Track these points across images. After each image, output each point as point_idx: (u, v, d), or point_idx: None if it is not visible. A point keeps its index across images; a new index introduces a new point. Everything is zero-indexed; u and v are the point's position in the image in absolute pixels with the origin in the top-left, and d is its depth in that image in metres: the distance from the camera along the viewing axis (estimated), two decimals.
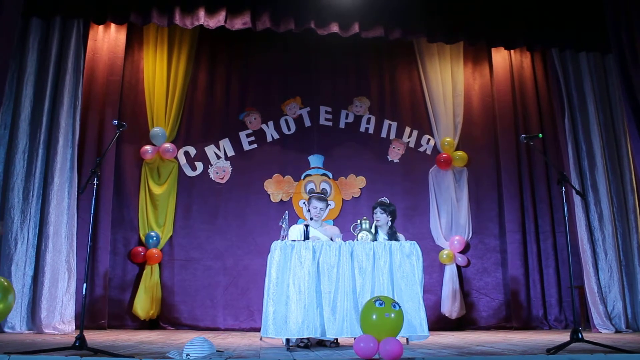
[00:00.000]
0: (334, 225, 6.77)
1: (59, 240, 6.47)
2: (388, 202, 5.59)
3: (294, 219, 7.45)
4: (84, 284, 4.07)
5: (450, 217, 7.95)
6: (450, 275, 7.70)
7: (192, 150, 7.87)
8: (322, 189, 7.86)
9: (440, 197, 8.03)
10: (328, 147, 8.09)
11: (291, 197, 7.84)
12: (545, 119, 8.12)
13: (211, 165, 7.86)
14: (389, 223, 5.44)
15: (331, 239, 5.13)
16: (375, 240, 4.97)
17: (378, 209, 5.44)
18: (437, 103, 8.25)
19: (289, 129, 8.10)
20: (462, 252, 7.83)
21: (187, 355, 3.55)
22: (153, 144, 7.64)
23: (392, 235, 5.37)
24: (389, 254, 4.67)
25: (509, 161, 8.01)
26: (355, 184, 7.91)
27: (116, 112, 7.34)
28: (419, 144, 8.24)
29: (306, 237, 4.87)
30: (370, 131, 8.20)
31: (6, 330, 6.11)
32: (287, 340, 4.52)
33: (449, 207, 7.97)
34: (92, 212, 4.21)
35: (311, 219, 5.32)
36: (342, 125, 8.18)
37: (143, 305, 7.12)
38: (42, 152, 6.59)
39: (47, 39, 6.89)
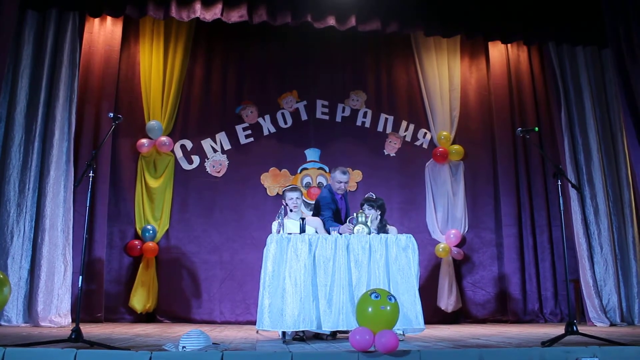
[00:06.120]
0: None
1: (55, 233, 6.47)
2: (375, 197, 5.57)
3: None
4: (80, 277, 4.06)
5: (447, 211, 7.96)
6: (446, 269, 7.73)
7: (189, 144, 7.85)
8: (319, 182, 7.86)
9: (436, 191, 8.04)
10: (324, 140, 8.09)
11: None
12: (542, 112, 8.12)
13: (207, 159, 7.85)
14: (378, 217, 5.43)
15: (316, 231, 5.13)
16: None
17: (365, 206, 5.42)
18: (434, 97, 8.25)
19: (285, 123, 8.09)
20: (458, 245, 7.85)
21: (183, 347, 3.55)
22: (149, 137, 7.62)
23: (381, 229, 5.37)
24: (385, 247, 4.67)
25: (506, 155, 8.02)
26: (352, 177, 7.88)
27: (112, 105, 7.31)
28: (416, 137, 8.24)
29: (302, 230, 4.88)
30: (367, 125, 8.20)
31: (2, 323, 6.11)
32: (284, 333, 4.53)
33: (445, 201, 7.98)
34: (87, 205, 4.21)
35: (291, 210, 5.27)
36: (338, 119, 8.18)
37: (140, 298, 7.13)
38: (37, 145, 6.57)
39: (43, 31, 6.86)
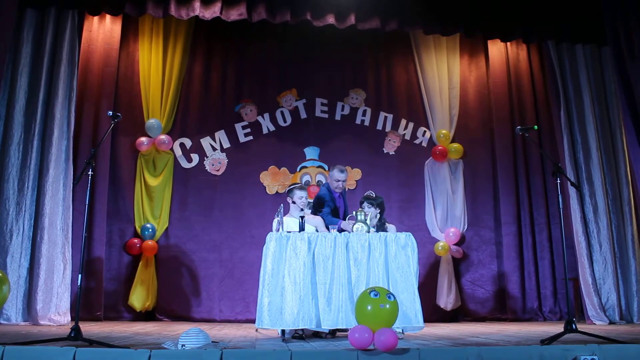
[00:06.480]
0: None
1: (54, 231, 6.47)
2: (374, 195, 5.57)
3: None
4: (79, 275, 4.06)
5: (446, 209, 7.97)
6: (445, 267, 7.73)
7: (188, 142, 7.85)
8: (318, 181, 7.86)
9: (435, 189, 8.04)
10: (324, 139, 8.08)
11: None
12: (541, 111, 8.12)
13: (207, 157, 7.85)
14: (378, 215, 5.43)
15: (316, 230, 5.13)
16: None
17: (365, 204, 5.43)
18: (433, 95, 8.25)
19: (284, 121, 8.08)
20: (458, 244, 7.85)
21: (183, 346, 3.55)
22: (148, 136, 7.62)
23: (380, 227, 5.37)
24: (384, 245, 4.67)
25: (505, 153, 8.02)
26: (351, 176, 7.89)
27: (111, 103, 7.30)
28: (415, 136, 8.24)
29: (301, 228, 4.87)
30: (366, 123, 8.20)
31: (2, 321, 6.11)
32: (283, 331, 4.53)
33: (445, 199, 7.98)
34: (87, 203, 4.21)
35: (301, 209, 5.28)
36: (337, 117, 8.17)
37: (139, 296, 7.13)
38: (37, 144, 6.57)
39: (42, 30, 6.85)
